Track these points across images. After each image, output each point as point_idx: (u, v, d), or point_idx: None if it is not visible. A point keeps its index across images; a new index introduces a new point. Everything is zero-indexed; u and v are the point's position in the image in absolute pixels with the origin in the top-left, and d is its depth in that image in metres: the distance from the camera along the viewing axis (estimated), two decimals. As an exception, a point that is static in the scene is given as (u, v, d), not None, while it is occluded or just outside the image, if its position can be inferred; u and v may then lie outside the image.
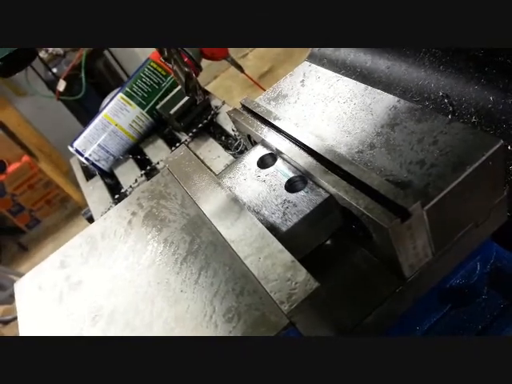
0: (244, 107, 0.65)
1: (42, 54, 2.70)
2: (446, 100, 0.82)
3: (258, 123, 0.61)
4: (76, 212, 3.29)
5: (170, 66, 0.63)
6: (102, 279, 0.53)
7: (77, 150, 1.12)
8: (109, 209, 0.99)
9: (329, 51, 1.07)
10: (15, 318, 2.02)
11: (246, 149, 0.95)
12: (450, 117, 0.80)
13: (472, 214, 0.49)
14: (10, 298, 2.38)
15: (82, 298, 0.52)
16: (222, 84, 3.27)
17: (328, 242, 0.55)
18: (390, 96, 0.55)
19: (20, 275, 2.64)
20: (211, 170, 0.57)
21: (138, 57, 3.04)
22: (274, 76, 3.11)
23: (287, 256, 0.43)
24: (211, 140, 1.04)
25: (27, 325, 0.52)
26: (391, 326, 0.52)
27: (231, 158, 0.95)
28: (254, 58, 3.43)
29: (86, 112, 2.80)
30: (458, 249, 0.51)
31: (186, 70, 0.64)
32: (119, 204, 0.62)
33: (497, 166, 0.46)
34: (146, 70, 1.16)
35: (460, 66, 0.81)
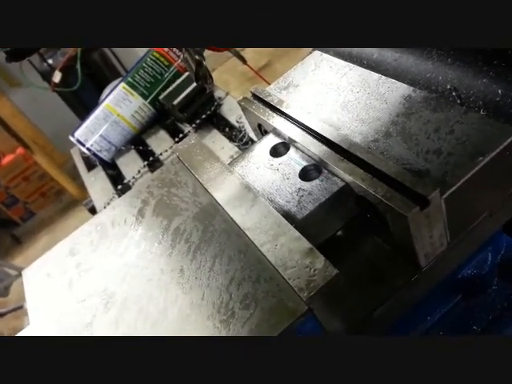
0: (255, 96, 0.64)
1: (38, 44, 2.65)
2: (453, 93, 0.82)
3: (270, 112, 0.60)
4: (71, 205, 3.26)
5: (181, 53, 0.63)
6: (113, 266, 0.52)
7: (78, 140, 1.11)
8: (112, 199, 0.98)
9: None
10: (11, 311, 2.01)
11: (251, 140, 0.95)
12: (457, 109, 0.79)
13: (487, 204, 0.49)
14: (5, 291, 2.36)
15: (93, 285, 0.51)
16: (220, 77, 3.25)
17: (340, 231, 0.55)
18: (405, 85, 0.55)
19: (14, 268, 2.62)
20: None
21: (134, 49, 3.01)
22: (271, 70, 3.10)
23: (305, 243, 0.43)
24: (215, 131, 1.04)
25: (37, 313, 0.51)
26: (402, 316, 0.52)
27: (236, 149, 0.94)
28: (252, 52, 3.41)
29: (81, 104, 2.76)
30: (471, 238, 0.51)
31: (197, 57, 0.63)
32: (128, 192, 0.62)
33: (513, 156, 0.46)
34: (149, 59, 1.15)
35: (468, 59, 0.81)
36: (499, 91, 0.78)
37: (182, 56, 0.62)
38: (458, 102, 0.83)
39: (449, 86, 0.86)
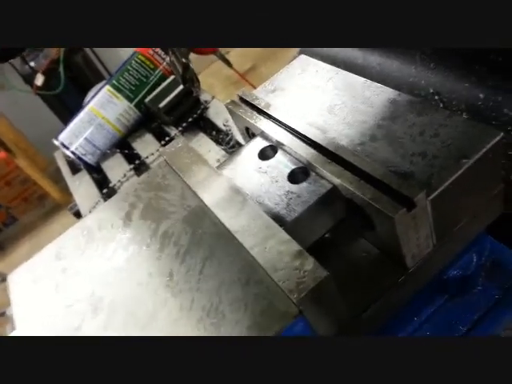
0: (242, 99, 0.64)
1: (20, 46, 2.61)
2: (436, 97, 0.84)
3: (257, 115, 0.61)
4: (54, 210, 3.21)
5: (167, 56, 0.63)
6: (100, 270, 0.52)
7: (62, 144, 1.10)
8: (97, 203, 0.97)
9: (318, 48, 1.07)
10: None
11: (238, 144, 0.95)
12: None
13: (471, 206, 0.50)
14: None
15: (80, 290, 0.51)
16: (205, 81, 3.23)
17: (328, 233, 0.55)
18: (390, 89, 0.56)
19: (-4, 274, 2.57)
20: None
21: (117, 51, 2.99)
22: (256, 74, 3.10)
23: (294, 245, 0.43)
24: (201, 134, 1.03)
25: (24, 319, 0.50)
26: (389, 318, 0.53)
27: (223, 152, 0.94)
28: (236, 56, 3.42)
29: (64, 107, 2.73)
30: (457, 239, 0.52)
31: (184, 60, 0.63)
32: (115, 196, 0.61)
33: (496, 158, 0.47)
34: (134, 62, 1.14)
35: (450, 63, 0.83)
36: (480, 95, 0.80)
37: (168, 59, 0.62)
38: (441, 105, 0.85)
39: (431, 90, 0.87)
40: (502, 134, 0.46)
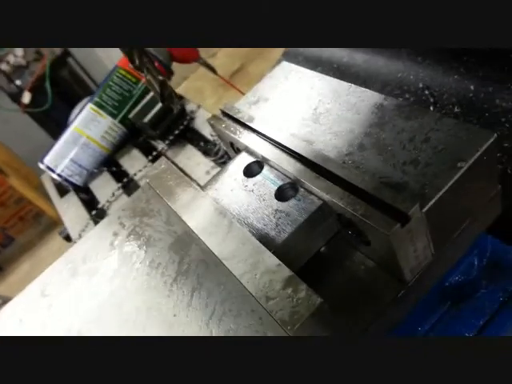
0: (224, 113, 0.62)
1: (4, 66, 2.60)
2: (426, 91, 0.81)
3: (241, 129, 0.58)
4: (50, 227, 3.19)
5: (143, 75, 0.60)
6: (86, 307, 0.49)
7: (48, 167, 1.07)
8: (86, 226, 0.95)
9: (303, 48, 1.05)
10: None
11: (226, 154, 0.93)
12: (431, 108, 0.79)
13: (469, 210, 0.48)
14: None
15: (67, 328, 0.48)
16: (193, 85, 3.21)
17: (322, 248, 0.53)
18: (376, 94, 0.53)
19: (-4, 297, 2.54)
20: (196, 182, 0.54)
21: (104, 63, 2.96)
22: (245, 74, 3.07)
23: (285, 271, 0.40)
24: (189, 146, 1.01)
25: (9, 364, 0.48)
26: (392, 330, 0.51)
27: (212, 164, 0.92)
28: (224, 57, 3.39)
29: (53, 123, 2.71)
30: (456, 246, 0.49)
31: (160, 78, 0.61)
32: (99, 224, 0.59)
33: (492, 160, 0.45)
34: (115, 77, 1.11)
35: (438, 56, 0.81)
36: (471, 87, 0.78)
37: (144, 78, 0.60)
38: (432, 100, 0.82)
39: (421, 85, 0.85)
40: (495, 135, 0.43)
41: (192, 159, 0.97)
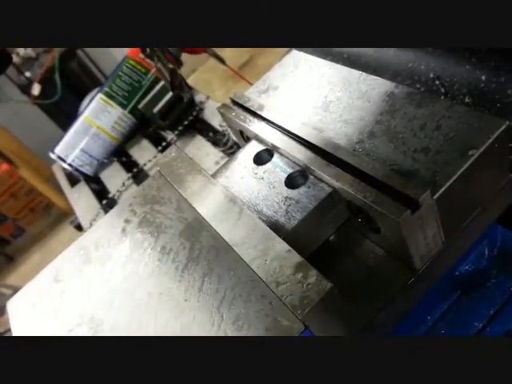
0: (234, 102, 0.62)
1: (14, 57, 2.61)
2: (437, 82, 0.81)
3: (251, 118, 0.58)
4: (61, 218, 3.22)
5: (153, 63, 0.60)
6: (99, 293, 0.50)
7: (59, 157, 1.08)
8: (97, 215, 0.96)
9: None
10: (4, 332, 1.97)
11: (236, 144, 0.93)
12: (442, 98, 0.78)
13: (480, 199, 0.48)
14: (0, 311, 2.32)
15: (80, 313, 0.49)
16: (202, 77, 3.22)
17: (332, 237, 0.53)
18: (387, 82, 0.53)
19: (8, 287, 2.58)
20: (204, 170, 0.55)
21: (112, 55, 2.96)
22: (253, 66, 3.07)
23: (295, 256, 0.41)
24: (199, 137, 1.01)
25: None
26: (399, 320, 0.51)
27: (221, 154, 0.92)
28: (232, 50, 3.39)
29: (63, 114, 2.73)
30: (466, 235, 0.49)
31: (171, 66, 0.61)
32: (110, 212, 0.59)
33: (503, 148, 0.45)
34: (125, 68, 1.12)
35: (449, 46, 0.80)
36: (482, 77, 0.77)
37: (155, 67, 0.60)
38: (443, 90, 0.82)
39: (432, 75, 0.84)
40: (507, 123, 0.43)
41: (201, 149, 0.97)
